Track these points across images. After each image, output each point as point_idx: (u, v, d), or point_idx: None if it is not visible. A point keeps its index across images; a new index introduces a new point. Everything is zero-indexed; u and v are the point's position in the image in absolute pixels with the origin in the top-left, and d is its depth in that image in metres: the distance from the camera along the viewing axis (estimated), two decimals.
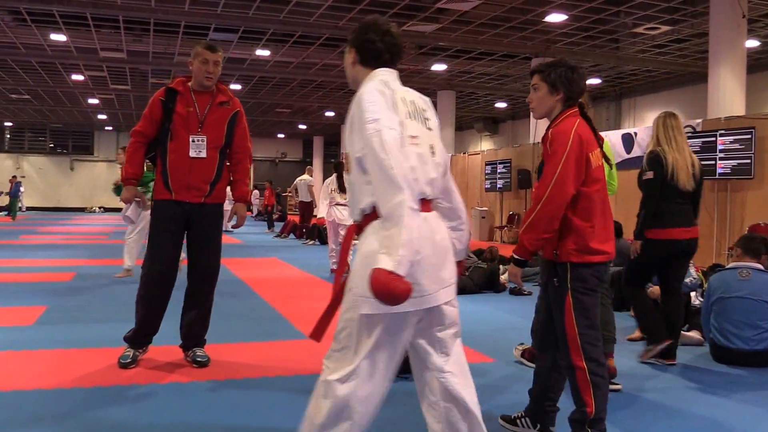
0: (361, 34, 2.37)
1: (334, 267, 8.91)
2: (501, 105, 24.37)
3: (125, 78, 20.73)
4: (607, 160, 3.03)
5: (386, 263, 1.93)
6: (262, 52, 16.67)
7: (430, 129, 2.29)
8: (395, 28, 2.41)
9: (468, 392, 2.27)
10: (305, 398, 3.28)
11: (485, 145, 27.03)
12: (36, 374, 3.95)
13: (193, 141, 3.99)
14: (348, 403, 2.11)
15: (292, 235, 17.23)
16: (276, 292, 7.49)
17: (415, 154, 2.16)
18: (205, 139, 4.00)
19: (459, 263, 2.40)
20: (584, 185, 2.73)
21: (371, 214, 2.15)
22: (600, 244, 2.76)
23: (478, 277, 7.80)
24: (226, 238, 16.16)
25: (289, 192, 21.56)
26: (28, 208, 29.88)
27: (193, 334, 4.24)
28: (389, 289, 1.89)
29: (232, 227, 4.65)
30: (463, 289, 7.60)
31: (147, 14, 13.16)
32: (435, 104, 17.50)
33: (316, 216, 13.54)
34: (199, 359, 4.18)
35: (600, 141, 2.91)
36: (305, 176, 16.36)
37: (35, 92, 23.71)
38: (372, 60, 2.35)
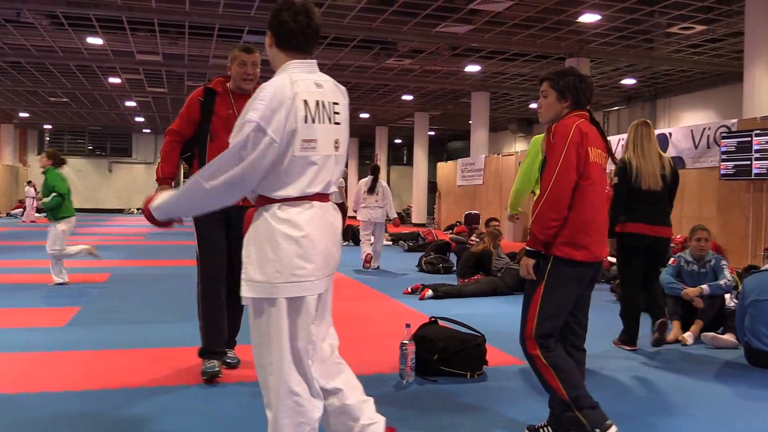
0: (275, 15, 2.34)
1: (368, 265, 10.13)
2: (535, 106, 24.13)
3: (162, 81, 21.07)
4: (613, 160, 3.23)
5: (154, 200, 2.37)
6: None
7: (337, 123, 2.35)
8: (312, 8, 2.35)
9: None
10: None
11: (519, 146, 26.86)
12: (65, 376, 4.00)
13: None
14: (297, 394, 2.25)
15: None
16: None
17: (310, 160, 2.25)
18: None
19: None
20: (580, 178, 2.81)
21: (259, 199, 2.28)
22: (587, 242, 2.81)
23: (510, 278, 7.77)
24: None
25: None
26: None
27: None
28: (144, 209, 2.40)
29: None
30: (494, 291, 7.62)
31: (181, 17, 13.35)
32: (469, 105, 17.45)
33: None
34: (229, 361, 4.18)
35: (608, 145, 3.02)
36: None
37: (73, 95, 24.21)
38: (285, 43, 2.32)
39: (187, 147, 4.06)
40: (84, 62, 18.08)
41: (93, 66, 18.79)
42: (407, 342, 3.97)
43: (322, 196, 2.33)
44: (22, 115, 29.26)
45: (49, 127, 34.34)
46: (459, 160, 22.21)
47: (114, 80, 20.91)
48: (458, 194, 21.50)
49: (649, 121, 5.19)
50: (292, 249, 2.21)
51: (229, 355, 4.20)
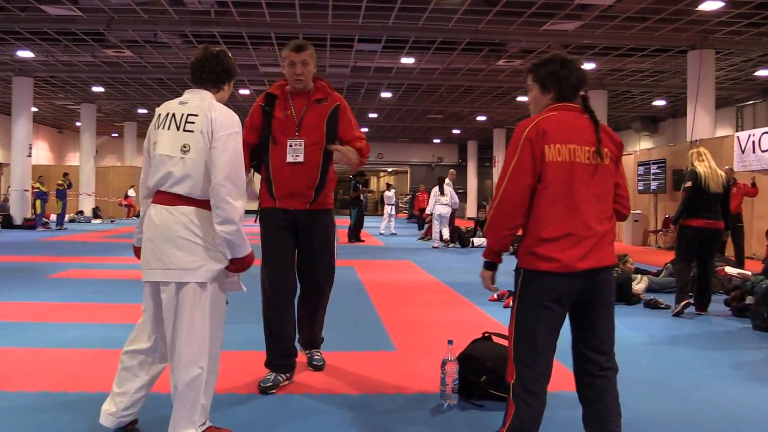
0: None
1: (435, 245, 14.94)
2: (659, 103, 23.07)
3: None
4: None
5: None
6: (407, 60, 17.12)
7: (189, 131, 2.78)
8: (208, 52, 2.94)
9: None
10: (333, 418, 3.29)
11: (644, 145, 25.71)
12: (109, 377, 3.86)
13: (291, 146, 3.78)
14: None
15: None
16: (389, 296, 7.39)
17: (153, 156, 2.86)
18: (302, 142, 3.77)
19: (234, 260, 2.84)
20: (537, 181, 2.49)
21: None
22: (552, 252, 2.45)
23: None
24: (370, 240, 16.73)
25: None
26: None
27: (309, 338, 4.18)
28: None
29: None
30: None
31: (295, 30, 14.02)
32: None
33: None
34: (315, 363, 4.15)
35: (598, 137, 2.55)
36: (446, 179, 16.56)
37: None
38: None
39: (254, 155, 3.95)
40: None
41: None
42: (449, 360, 3.54)
43: (156, 195, 2.86)
44: None
45: None
46: None
47: (243, 92, 22.23)
48: None
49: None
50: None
51: (315, 356, 4.17)
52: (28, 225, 19.43)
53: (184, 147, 2.75)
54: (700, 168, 6.44)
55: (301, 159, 3.77)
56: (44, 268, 9.51)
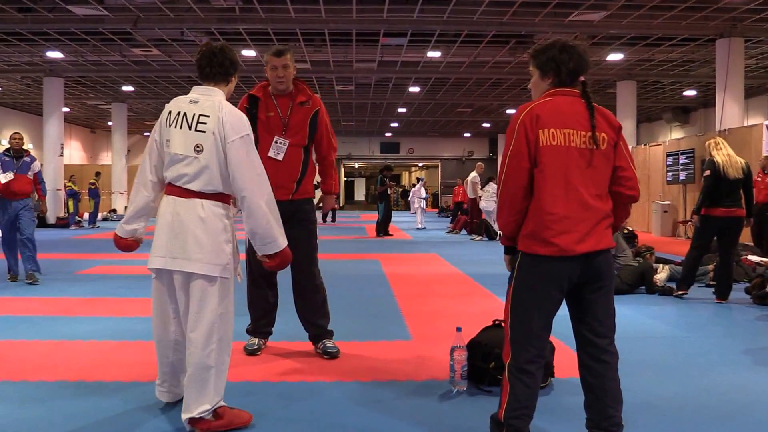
0: None
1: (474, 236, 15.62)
2: (690, 93, 22.66)
3: (314, 87, 22.23)
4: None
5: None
6: (434, 54, 17.09)
7: (201, 131, 2.90)
8: (211, 47, 3.04)
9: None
10: (347, 410, 3.34)
11: (675, 135, 25.23)
12: (131, 365, 4.06)
13: (276, 142, 4.14)
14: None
15: (464, 231, 17.57)
16: (411, 289, 7.44)
17: (166, 153, 2.98)
18: (287, 142, 4.15)
19: (274, 255, 3.03)
20: (534, 165, 2.53)
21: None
22: (549, 236, 2.48)
23: (626, 275, 7.18)
24: (398, 234, 16.80)
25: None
26: None
27: (314, 327, 4.40)
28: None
29: (322, 216, 4.63)
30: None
31: (320, 25, 14.13)
32: (614, 96, 17.06)
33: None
34: (330, 351, 4.29)
35: (593, 123, 2.55)
36: (473, 173, 16.54)
37: None
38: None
39: None
40: (244, 73, 19.49)
41: (252, 77, 20.25)
42: (457, 347, 3.62)
43: (168, 188, 3.01)
44: None
45: None
46: None
47: None
48: None
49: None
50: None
51: (328, 344, 4.35)
52: (61, 224, 19.87)
53: (197, 147, 2.88)
54: (718, 157, 6.56)
55: (280, 158, 4.15)
56: (73, 265, 9.71)
